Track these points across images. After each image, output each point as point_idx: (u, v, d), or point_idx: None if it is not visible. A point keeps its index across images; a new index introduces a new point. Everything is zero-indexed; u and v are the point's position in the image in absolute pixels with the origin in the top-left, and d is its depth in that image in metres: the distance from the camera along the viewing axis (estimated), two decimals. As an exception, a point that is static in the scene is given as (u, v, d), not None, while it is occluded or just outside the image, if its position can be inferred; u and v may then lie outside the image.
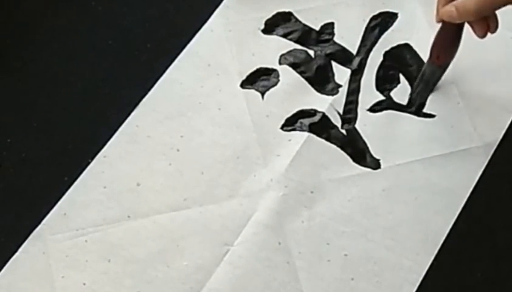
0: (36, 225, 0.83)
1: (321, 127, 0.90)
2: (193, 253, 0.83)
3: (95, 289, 0.81)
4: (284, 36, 0.96)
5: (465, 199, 0.86)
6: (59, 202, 0.84)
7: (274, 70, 0.94)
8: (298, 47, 0.95)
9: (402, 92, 0.93)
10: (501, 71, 0.94)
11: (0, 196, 0.85)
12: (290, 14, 0.97)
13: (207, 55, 0.94)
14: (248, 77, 0.93)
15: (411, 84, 0.93)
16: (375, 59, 0.95)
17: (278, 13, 0.97)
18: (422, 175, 0.87)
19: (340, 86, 0.93)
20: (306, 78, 0.93)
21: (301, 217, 0.85)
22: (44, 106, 0.91)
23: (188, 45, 0.94)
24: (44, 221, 0.83)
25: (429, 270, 0.82)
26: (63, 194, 0.85)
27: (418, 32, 0.96)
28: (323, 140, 0.89)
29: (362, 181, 0.87)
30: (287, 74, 0.93)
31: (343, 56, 0.95)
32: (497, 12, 0.84)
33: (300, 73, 0.93)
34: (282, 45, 0.95)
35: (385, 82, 0.94)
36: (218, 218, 0.85)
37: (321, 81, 0.93)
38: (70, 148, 0.88)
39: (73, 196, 0.85)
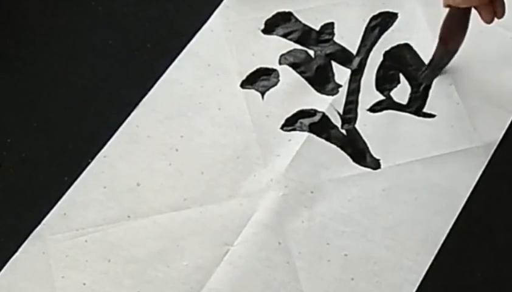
0: (36, 226, 0.83)
1: (321, 127, 0.90)
2: (193, 253, 0.83)
3: (95, 289, 0.81)
4: (284, 36, 0.96)
5: (465, 199, 0.86)
6: (59, 202, 0.84)
7: (274, 70, 0.94)
8: (298, 47, 0.95)
9: (402, 92, 0.93)
10: (501, 71, 0.94)
11: (0, 196, 0.85)
12: (290, 14, 0.97)
13: (207, 55, 0.94)
14: (248, 77, 0.93)
15: (411, 84, 0.93)
16: (375, 59, 0.95)
17: (278, 13, 0.97)
18: (422, 175, 0.87)
19: (340, 86, 0.93)
20: (306, 78, 0.93)
21: (301, 217, 0.85)
22: (44, 106, 0.91)
23: (188, 45, 0.94)
24: (44, 221, 0.83)
25: (429, 270, 0.82)
26: (63, 194, 0.85)
27: (418, 32, 0.96)
28: (323, 140, 0.89)
29: (362, 181, 0.87)
30: (287, 74, 0.93)
31: (343, 56, 0.95)
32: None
33: (300, 73, 0.93)
34: (282, 45, 0.95)
35: (385, 82, 0.94)
36: (218, 218, 0.85)
37: (321, 81, 0.93)
38: (70, 148, 0.88)
39: (73, 196, 0.85)
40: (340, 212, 0.85)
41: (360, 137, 0.90)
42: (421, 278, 0.82)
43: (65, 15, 0.97)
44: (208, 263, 0.82)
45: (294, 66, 0.94)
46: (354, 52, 0.95)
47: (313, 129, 0.90)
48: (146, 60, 0.94)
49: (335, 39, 0.96)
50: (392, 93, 0.93)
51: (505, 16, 0.84)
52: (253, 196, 0.86)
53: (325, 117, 0.91)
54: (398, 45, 0.96)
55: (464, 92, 0.92)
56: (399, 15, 0.97)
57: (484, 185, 0.87)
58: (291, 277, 0.82)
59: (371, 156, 0.89)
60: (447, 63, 0.92)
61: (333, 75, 0.94)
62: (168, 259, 0.82)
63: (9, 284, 0.80)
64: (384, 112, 0.92)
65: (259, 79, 0.93)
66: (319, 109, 0.91)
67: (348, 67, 0.94)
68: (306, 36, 0.96)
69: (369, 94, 0.93)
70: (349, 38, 0.96)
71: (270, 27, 0.96)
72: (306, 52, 0.95)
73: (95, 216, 0.84)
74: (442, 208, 0.86)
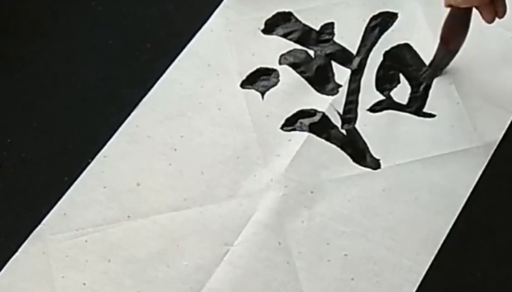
0: (36, 226, 0.83)
1: (321, 127, 0.90)
2: (193, 253, 0.83)
3: (95, 289, 0.81)
4: (284, 36, 0.96)
5: (465, 199, 0.86)
6: (59, 202, 0.84)
7: (274, 70, 0.94)
8: (298, 47, 0.95)
9: (402, 92, 0.93)
10: (501, 71, 0.94)
11: (0, 196, 0.85)
12: (290, 14, 0.97)
13: (207, 55, 0.94)
14: (248, 77, 0.93)
15: (411, 84, 0.93)
16: (375, 59, 0.95)
17: (278, 13, 0.97)
18: (422, 175, 0.87)
19: (340, 86, 0.93)
20: (306, 78, 0.93)
21: (301, 217, 0.85)
22: (44, 106, 0.91)
23: (188, 45, 0.94)
24: (44, 221, 0.83)
25: (429, 270, 0.82)
26: (63, 194, 0.85)
27: (418, 32, 0.96)
28: (323, 140, 0.89)
29: (362, 181, 0.87)
30: (287, 74, 0.93)
31: (343, 56, 0.95)
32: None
33: (300, 73, 0.93)
34: (282, 45, 0.95)
35: (385, 82, 0.94)
36: (218, 218, 0.85)
37: (321, 81, 0.93)
38: (70, 148, 0.88)
39: (73, 196, 0.85)
40: (340, 211, 0.85)
41: (360, 137, 0.90)
42: (421, 278, 0.82)
43: (65, 15, 0.97)
44: (208, 263, 0.82)
45: (294, 66, 0.94)
46: (354, 52, 0.95)
47: (313, 129, 0.90)
48: (146, 60, 0.94)
49: (335, 39, 0.96)
50: (392, 93, 0.93)
51: (505, 16, 0.84)
52: (253, 196, 0.86)
53: (325, 117, 0.91)
54: (398, 45, 0.96)
55: (464, 92, 0.92)
56: (399, 15, 0.97)
57: (484, 185, 0.87)
58: (291, 277, 0.82)
59: (371, 156, 0.89)
60: (448, 63, 0.92)
61: (333, 75, 0.94)
62: (168, 259, 0.82)
63: (9, 284, 0.80)
64: (384, 112, 0.92)
65: (259, 79, 0.93)
66: (319, 109, 0.91)
67: (348, 67, 0.94)
68: (306, 36, 0.96)
69: (369, 94, 0.93)
70: (349, 38, 0.96)
71: (270, 27, 0.96)
72: (306, 52, 0.95)
73: (95, 216, 0.84)
74: (442, 208, 0.86)
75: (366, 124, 0.91)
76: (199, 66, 0.93)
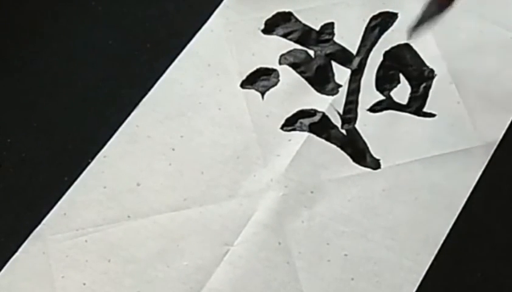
0: (36, 226, 0.83)
1: (321, 127, 0.90)
2: (193, 253, 0.83)
3: (95, 289, 0.81)
4: (284, 36, 0.96)
5: (465, 199, 0.86)
6: (59, 202, 0.84)
7: (274, 70, 0.94)
8: (298, 47, 0.95)
9: (402, 92, 0.93)
10: (501, 71, 0.94)
11: (0, 196, 0.85)
12: (290, 14, 0.97)
13: (207, 55, 0.94)
14: (248, 77, 0.93)
15: (411, 84, 0.93)
16: (375, 59, 0.95)
17: (278, 13, 0.97)
18: (422, 175, 0.87)
19: (340, 86, 0.93)
20: (306, 78, 0.93)
21: (301, 217, 0.85)
22: (44, 106, 0.91)
23: (188, 45, 0.94)
24: (44, 221, 0.83)
25: (429, 270, 0.82)
26: (63, 194, 0.85)
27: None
28: (323, 140, 0.89)
29: (362, 181, 0.87)
30: (287, 74, 0.93)
31: (343, 56, 0.95)
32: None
33: (300, 73, 0.93)
34: (282, 45, 0.95)
35: (385, 82, 0.94)
36: (218, 218, 0.85)
37: (321, 81, 0.93)
38: (70, 148, 0.88)
39: (73, 196, 0.85)
40: (340, 211, 0.85)
41: (360, 137, 0.90)
42: (421, 278, 0.82)
43: (65, 15, 0.97)
44: (208, 263, 0.82)
45: (294, 66, 0.94)
46: (354, 52, 0.95)
47: (313, 129, 0.90)
48: (146, 60, 0.94)
49: (335, 39, 0.96)
50: (392, 93, 0.93)
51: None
52: (253, 196, 0.86)
53: (325, 117, 0.91)
54: (398, 45, 0.96)
55: (464, 92, 0.92)
56: (399, 15, 0.97)
57: (484, 185, 0.87)
58: (291, 277, 0.82)
59: (371, 156, 0.89)
60: (437, 17, 0.86)
61: (333, 75, 0.94)
62: (168, 259, 0.82)
63: (9, 284, 0.80)
64: (384, 112, 0.92)
65: (259, 79, 0.93)
66: (319, 109, 0.91)
67: (348, 67, 0.94)
68: (306, 36, 0.96)
69: (369, 94, 0.93)
70: (349, 38, 0.96)
71: (270, 27, 0.96)
72: (306, 52, 0.95)
73: (95, 216, 0.84)
74: (442, 208, 0.86)
75: (366, 124, 0.91)
76: (199, 66, 0.93)
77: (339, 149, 0.89)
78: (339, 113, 0.91)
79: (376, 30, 0.96)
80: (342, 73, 0.94)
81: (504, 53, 0.95)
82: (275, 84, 0.93)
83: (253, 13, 0.97)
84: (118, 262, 0.82)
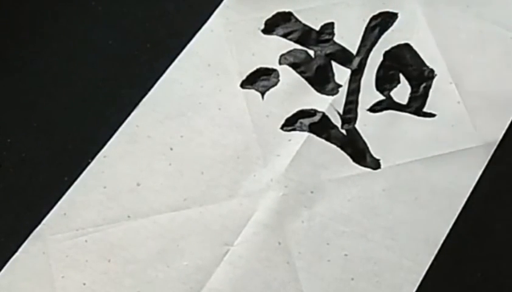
0: (36, 226, 0.83)
1: (321, 127, 0.90)
2: (193, 253, 0.83)
3: (95, 289, 0.81)
4: (284, 36, 0.96)
5: (465, 199, 0.86)
6: (59, 202, 0.84)
7: (274, 70, 0.94)
8: (298, 47, 0.95)
9: (402, 92, 0.93)
10: (501, 71, 0.94)
11: (0, 196, 0.85)
12: (290, 14, 0.97)
13: (207, 55, 0.94)
14: (248, 77, 0.93)
15: (411, 84, 0.93)
16: (375, 59, 0.95)
17: (278, 13, 0.97)
18: (422, 175, 0.87)
19: (340, 86, 0.93)
20: (306, 78, 0.93)
21: (301, 217, 0.85)
22: (44, 106, 0.91)
23: (188, 45, 0.94)
24: (44, 221, 0.83)
25: (429, 270, 0.82)
26: (63, 194, 0.85)
27: (418, 32, 0.96)
28: (323, 140, 0.89)
29: (362, 181, 0.87)
30: (287, 74, 0.93)
31: (343, 56, 0.95)
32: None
33: (300, 73, 0.93)
34: (282, 45, 0.95)
35: (385, 82, 0.94)
36: (218, 218, 0.85)
37: (321, 81, 0.93)
38: (70, 148, 0.88)
39: (73, 196, 0.85)
40: (340, 211, 0.85)
41: (360, 137, 0.90)
42: (421, 278, 0.82)
43: (65, 15, 0.97)
44: (208, 263, 0.82)
45: (294, 66, 0.94)
46: (354, 52, 0.95)
47: (313, 129, 0.90)
48: (146, 60, 0.94)
49: (335, 39, 0.96)
50: (392, 93, 0.93)
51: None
52: (253, 196, 0.86)
53: (325, 117, 0.91)
54: (398, 45, 0.96)
55: (464, 92, 0.92)
56: (399, 15, 0.97)
57: (484, 185, 0.87)
58: (291, 277, 0.82)
59: (371, 156, 0.89)
60: None
61: (333, 75, 0.94)
62: (168, 259, 0.82)
63: (9, 284, 0.80)
64: (384, 112, 0.92)
65: (259, 79, 0.93)
66: (319, 109, 0.91)
67: (348, 67, 0.94)
68: (306, 36, 0.96)
69: (369, 94, 0.93)
70: (349, 38, 0.96)
71: (270, 27, 0.96)
72: (306, 52, 0.95)
73: (95, 216, 0.84)
74: (442, 208, 0.86)
75: (366, 124, 0.91)
76: (199, 66, 0.93)
77: (338, 149, 0.89)
78: (338, 113, 0.91)
79: (376, 30, 0.96)
80: (342, 73, 0.94)
81: (504, 53, 0.95)
82: (275, 84, 0.93)
83: (253, 13, 0.97)
84: (118, 262, 0.82)
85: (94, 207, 0.85)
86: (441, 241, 0.84)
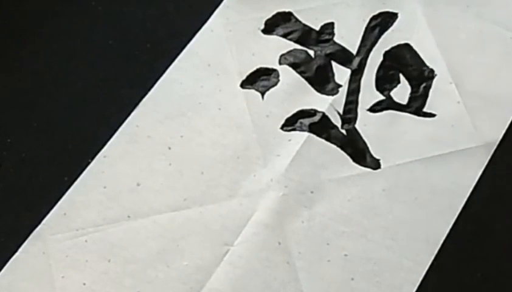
0: (36, 226, 0.83)
1: (321, 127, 0.90)
2: (193, 253, 0.83)
3: (95, 289, 0.81)
4: (284, 36, 0.96)
5: (465, 199, 0.86)
6: (59, 202, 0.84)
7: (274, 70, 0.94)
8: (298, 47, 0.95)
9: (402, 92, 0.93)
10: (501, 71, 0.94)
11: (0, 196, 0.85)
12: (290, 14, 0.97)
13: (207, 55, 0.94)
14: (248, 77, 0.93)
15: (411, 84, 0.93)
16: (375, 59, 0.95)
17: (278, 13, 0.97)
18: (422, 175, 0.87)
19: (340, 86, 0.93)
20: (306, 78, 0.93)
21: (301, 217, 0.85)
22: (44, 106, 0.91)
23: (188, 45, 0.94)
24: (44, 221, 0.83)
25: (429, 270, 0.82)
26: (63, 194, 0.85)
27: (418, 32, 0.96)
28: (323, 140, 0.89)
29: (362, 181, 0.87)
30: (287, 74, 0.93)
31: (343, 56, 0.95)
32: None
33: (300, 73, 0.93)
34: (282, 45, 0.95)
35: (385, 82, 0.94)
36: (218, 218, 0.85)
37: (321, 81, 0.93)
38: (70, 148, 0.88)
39: (73, 196, 0.85)
40: (340, 212, 0.85)
41: (360, 137, 0.90)
42: (421, 278, 0.82)
43: (65, 15, 0.97)
44: (208, 263, 0.82)
45: (294, 66, 0.94)
46: (354, 52, 0.95)
47: (313, 129, 0.90)
48: (146, 60, 0.94)
49: (335, 39, 0.96)
50: (392, 93, 0.93)
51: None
52: (253, 196, 0.86)
53: (325, 117, 0.91)
54: (398, 45, 0.96)
55: (464, 92, 0.92)
56: (399, 15, 0.97)
57: (484, 185, 0.87)
58: (291, 277, 0.82)
59: (371, 156, 0.89)
60: None
61: (333, 75, 0.94)
62: (168, 259, 0.82)
63: (9, 284, 0.80)
64: (384, 112, 0.92)
65: (259, 79, 0.93)
66: (319, 109, 0.91)
67: (348, 67, 0.94)
68: (306, 36, 0.96)
69: (369, 94, 0.93)
70: (349, 38, 0.96)
71: (270, 27, 0.96)
72: (306, 52, 0.95)
73: (95, 216, 0.84)
74: (442, 208, 0.86)
75: (366, 124, 0.91)
76: (199, 66, 0.93)
77: (339, 149, 0.89)
78: (338, 113, 0.91)
79: (376, 30, 0.96)
80: (342, 73, 0.94)
81: (504, 53, 0.95)
82: (275, 84, 0.93)
83: (253, 13, 0.97)
84: (118, 262, 0.82)
85: (94, 207, 0.85)
86: (441, 241, 0.84)
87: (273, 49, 0.95)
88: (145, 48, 0.94)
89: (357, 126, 0.91)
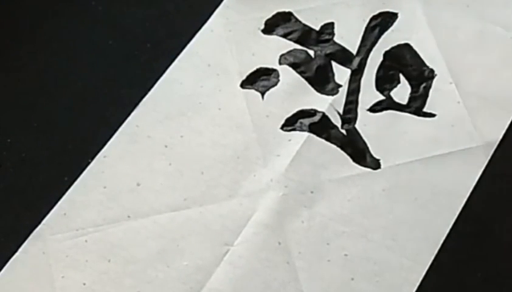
0: (36, 226, 0.83)
1: (321, 127, 0.90)
2: (193, 253, 0.83)
3: (95, 289, 0.81)
4: (284, 36, 0.96)
5: (465, 199, 0.86)
6: (59, 202, 0.84)
7: (274, 70, 0.94)
8: (298, 47, 0.95)
9: (402, 92, 0.93)
10: (501, 71, 0.94)
11: (0, 196, 0.85)
12: (290, 14, 0.97)
13: (207, 55, 0.94)
14: (248, 77, 0.93)
15: (411, 84, 0.93)
16: (375, 59, 0.95)
17: (278, 13, 0.97)
18: (422, 175, 0.87)
19: (340, 86, 0.93)
20: (306, 78, 0.93)
21: (301, 217, 0.85)
22: (44, 106, 0.91)
23: (188, 45, 0.94)
24: (44, 221, 0.83)
25: (429, 270, 0.82)
26: (63, 194, 0.85)
27: (418, 32, 0.96)
28: (323, 140, 0.89)
29: (362, 181, 0.87)
30: (287, 74, 0.93)
31: (343, 56, 0.95)
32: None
33: (300, 73, 0.93)
34: (282, 45, 0.95)
35: (385, 82, 0.94)
36: (218, 218, 0.85)
37: (321, 81, 0.93)
38: (70, 148, 0.88)
39: (73, 196, 0.85)
40: (340, 212, 0.85)
41: (360, 137, 0.90)
42: (421, 278, 0.82)
43: (65, 15, 0.97)
44: (208, 263, 0.82)
45: (294, 66, 0.94)
46: (354, 52, 0.95)
47: (313, 129, 0.90)
48: (146, 60, 0.94)
49: (335, 39, 0.96)
50: (392, 93, 0.93)
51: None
52: (253, 196, 0.86)
53: (325, 117, 0.91)
54: (398, 45, 0.96)
55: (464, 92, 0.92)
56: (399, 15, 0.97)
57: (484, 185, 0.87)
58: (291, 277, 0.82)
59: (371, 156, 0.89)
60: None
61: (333, 75, 0.94)
62: (168, 259, 0.82)
63: (9, 284, 0.80)
64: (384, 112, 0.92)
65: (259, 79, 0.93)
66: (319, 109, 0.91)
67: (348, 67, 0.94)
68: (306, 36, 0.96)
69: (369, 94, 0.93)
70: (349, 38, 0.96)
71: (270, 27, 0.96)
72: (306, 52, 0.95)
73: (95, 216, 0.84)
74: (442, 208, 0.86)
75: (366, 124, 0.91)
76: (199, 66, 0.93)
77: (339, 149, 0.89)
78: (339, 113, 0.91)
79: (376, 30, 0.96)
80: (342, 73, 0.94)
81: (504, 53, 0.95)
82: (275, 84, 0.93)
83: (253, 13, 0.97)
84: (118, 262, 0.82)
85: (94, 207, 0.85)
86: (441, 241, 0.84)
87: (273, 49, 0.95)
88: (145, 48, 0.94)
89: (357, 126, 0.91)
